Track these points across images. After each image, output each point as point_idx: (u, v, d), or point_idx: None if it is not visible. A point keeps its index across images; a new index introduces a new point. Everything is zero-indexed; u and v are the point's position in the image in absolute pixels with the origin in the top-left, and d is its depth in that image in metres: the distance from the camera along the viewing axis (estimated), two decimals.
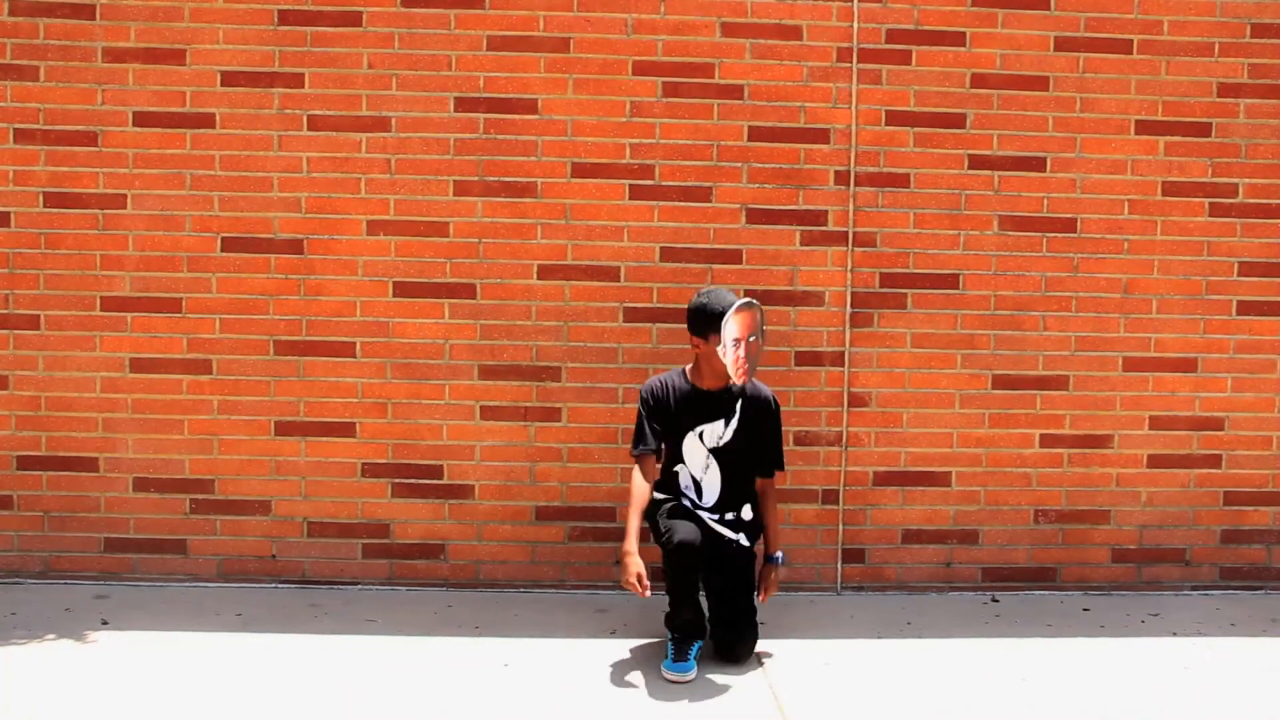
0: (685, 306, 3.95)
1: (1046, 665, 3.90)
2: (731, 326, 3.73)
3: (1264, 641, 4.18)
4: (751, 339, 3.78)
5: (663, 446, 3.93)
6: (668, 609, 3.83)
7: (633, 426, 3.97)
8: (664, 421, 3.90)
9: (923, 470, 4.64)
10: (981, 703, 3.58)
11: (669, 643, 3.81)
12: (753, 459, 3.95)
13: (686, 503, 3.89)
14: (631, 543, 3.70)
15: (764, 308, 3.90)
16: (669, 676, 3.71)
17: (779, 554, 4.00)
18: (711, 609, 3.94)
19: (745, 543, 3.91)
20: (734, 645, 3.85)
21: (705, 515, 3.87)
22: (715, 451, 3.90)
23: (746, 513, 3.93)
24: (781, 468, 4.05)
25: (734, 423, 3.89)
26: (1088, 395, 4.66)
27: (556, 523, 4.59)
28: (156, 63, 4.42)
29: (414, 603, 4.40)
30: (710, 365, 3.84)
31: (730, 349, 3.74)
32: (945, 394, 4.63)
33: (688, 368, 3.96)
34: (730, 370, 3.77)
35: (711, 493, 3.91)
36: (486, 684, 3.64)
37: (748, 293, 4.49)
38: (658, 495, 3.90)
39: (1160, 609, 4.52)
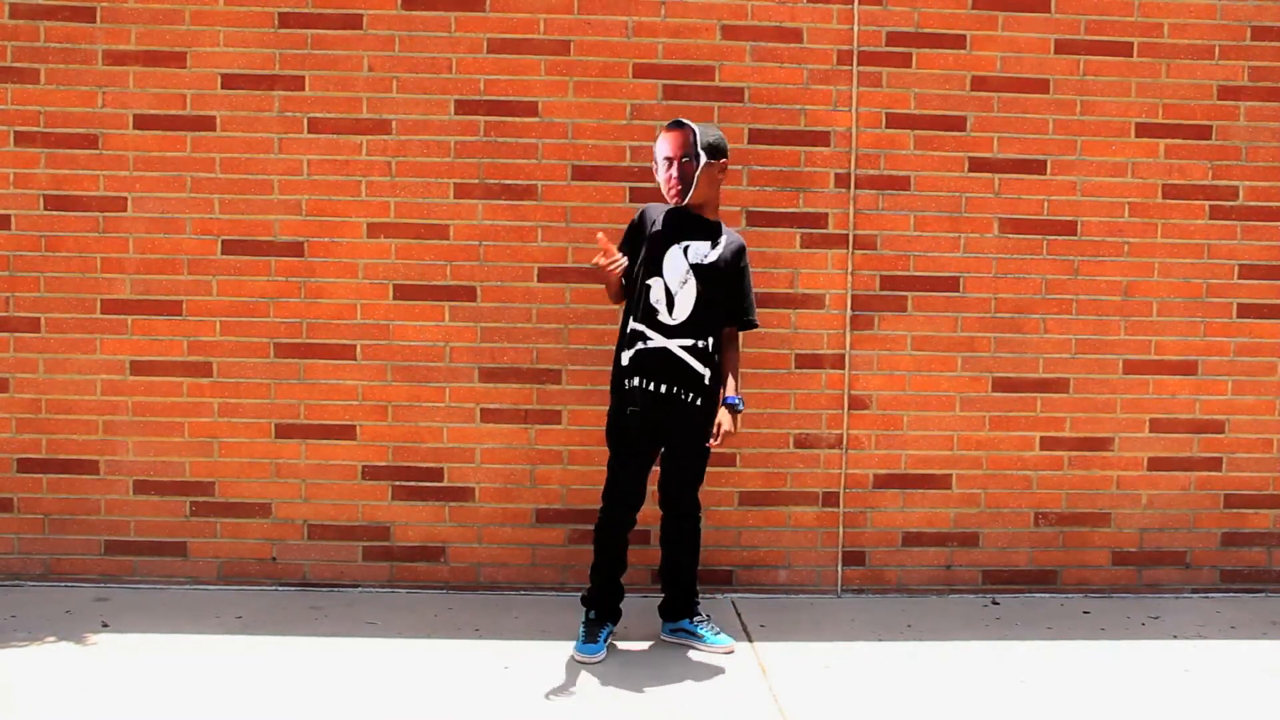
0: None
1: (1046, 668, 3.90)
2: (661, 144, 3.79)
3: (1265, 644, 4.18)
4: (685, 159, 3.79)
5: (630, 274, 3.91)
6: (589, 580, 3.99)
7: None
8: (650, 232, 3.89)
9: (923, 473, 4.64)
10: (981, 705, 3.58)
11: (582, 624, 3.96)
12: (724, 302, 3.90)
13: (652, 330, 3.82)
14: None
15: (699, 130, 3.79)
16: (577, 658, 3.85)
17: (736, 398, 3.87)
18: (663, 464, 3.99)
19: (707, 382, 3.85)
20: (675, 498, 3.98)
21: (675, 344, 3.82)
22: (696, 269, 3.84)
23: (704, 344, 3.86)
24: (752, 321, 3.97)
25: (719, 249, 3.88)
26: (1088, 398, 4.66)
27: (557, 525, 4.59)
28: (157, 65, 4.42)
29: (414, 605, 4.40)
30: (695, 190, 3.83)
31: (661, 167, 3.81)
32: (945, 396, 4.63)
33: None
34: (662, 188, 3.83)
35: (684, 308, 3.83)
36: (487, 686, 3.64)
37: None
38: (630, 325, 3.89)
39: (1161, 611, 4.52)
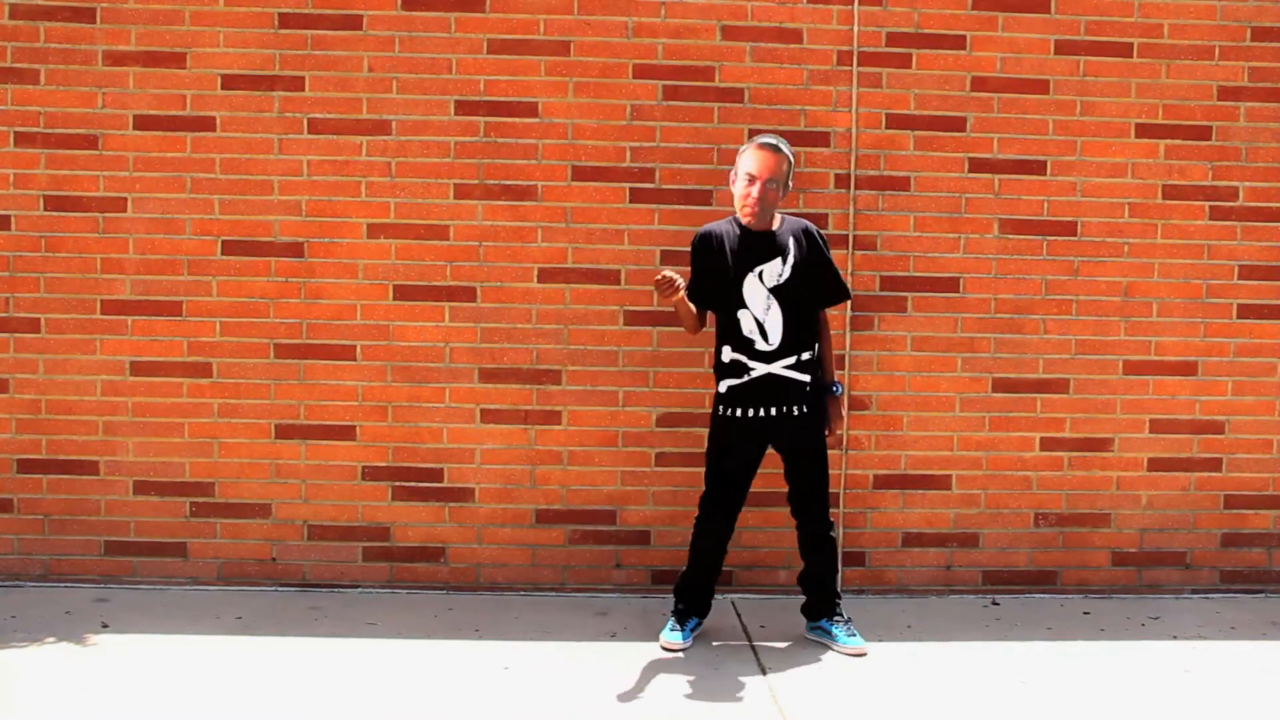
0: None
1: (1046, 668, 3.90)
2: (747, 159, 3.79)
3: (1264, 644, 4.18)
4: (771, 185, 3.80)
5: (712, 305, 3.95)
6: (682, 578, 4.08)
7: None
8: (719, 265, 3.89)
9: (923, 473, 4.64)
10: (981, 706, 3.58)
11: (671, 613, 4.07)
12: (812, 295, 3.96)
13: (753, 360, 3.85)
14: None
15: (793, 159, 3.88)
16: (662, 644, 3.98)
17: (837, 385, 4.04)
18: (788, 478, 4.02)
19: (809, 387, 3.91)
20: (809, 514, 4.02)
21: (778, 367, 3.87)
22: (775, 291, 3.87)
23: (807, 354, 3.93)
24: (847, 291, 4.12)
25: (790, 260, 3.89)
26: (1088, 398, 4.66)
27: (557, 525, 4.59)
28: (157, 66, 4.42)
29: (414, 605, 4.40)
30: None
31: (741, 182, 3.81)
32: (945, 397, 4.63)
33: (736, 215, 3.96)
34: (736, 203, 3.83)
35: (775, 333, 3.87)
36: (487, 687, 3.64)
37: None
38: (728, 355, 3.91)
39: (1160, 612, 4.52)
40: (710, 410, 4.06)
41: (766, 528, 4.57)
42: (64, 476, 4.51)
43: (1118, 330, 4.65)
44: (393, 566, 4.58)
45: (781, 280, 3.88)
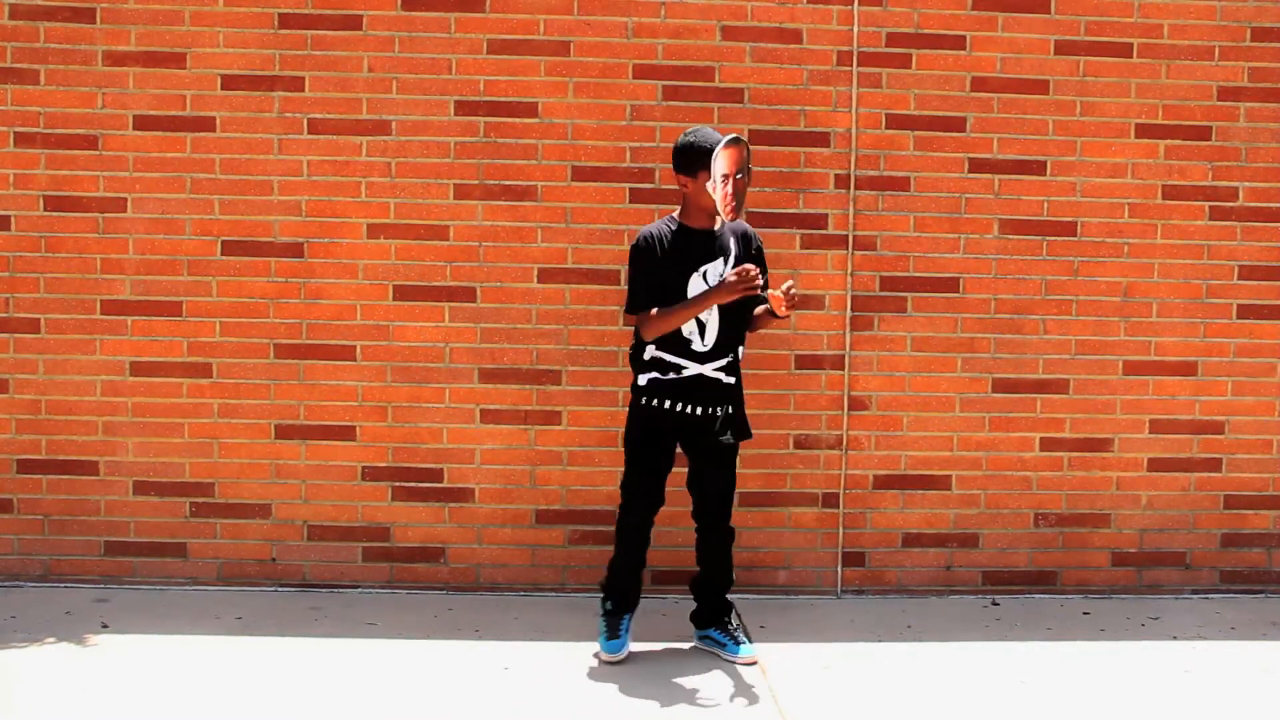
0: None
1: (1046, 668, 3.90)
2: (720, 162, 3.69)
3: (1264, 645, 4.18)
4: (739, 176, 3.74)
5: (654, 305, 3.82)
6: (608, 570, 3.98)
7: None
8: (664, 267, 3.80)
9: (923, 473, 4.64)
10: (981, 706, 3.58)
11: (600, 617, 3.93)
12: (751, 298, 3.87)
13: (686, 359, 3.78)
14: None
15: (751, 145, 3.82)
16: (603, 658, 3.86)
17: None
18: (697, 480, 3.96)
19: (731, 380, 3.85)
20: (715, 517, 3.98)
21: (709, 369, 3.80)
22: None
23: (734, 356, 3.88)
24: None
25: (732, 260, 3.83)
26: (1088, 399, 4.66)
27: (557, 526, 4.59)
28: (157, 66, 4.42)
29: (414, 606, 4.40)
30: (699, 204, 3.78)
31: (719, 185, 3.72)
32: (945, 397, 4.63)
33: (675, 213, 3.90)
34: (719, 206, 3.73)
35: (713, 333, 3.81)
36: (487, 687, 3.64)
37: None
38: (650, 353, 3.82)
39: (1160, 612, 4.52)
40: (629, 401, 3.95)
41: (766, 528, 4.57)
42: (64, 476, 4.51)
43: (1118, 330, 4.65)
44: (393, 567, 4.58)
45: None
